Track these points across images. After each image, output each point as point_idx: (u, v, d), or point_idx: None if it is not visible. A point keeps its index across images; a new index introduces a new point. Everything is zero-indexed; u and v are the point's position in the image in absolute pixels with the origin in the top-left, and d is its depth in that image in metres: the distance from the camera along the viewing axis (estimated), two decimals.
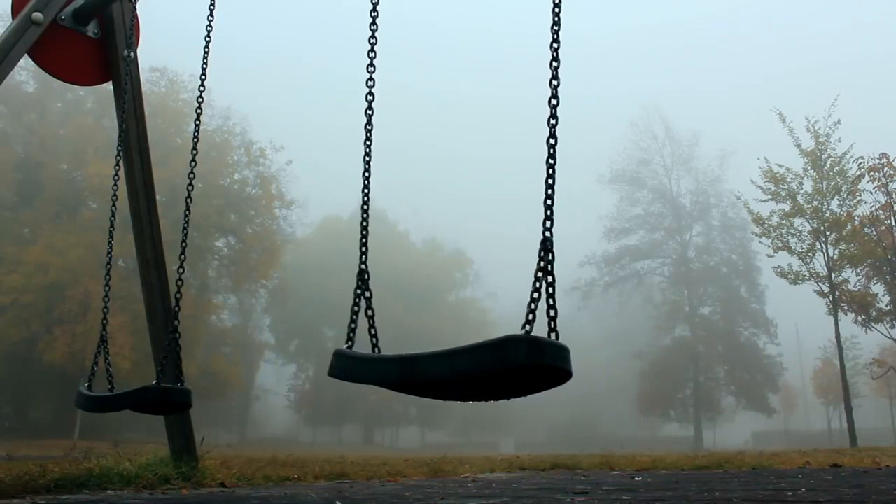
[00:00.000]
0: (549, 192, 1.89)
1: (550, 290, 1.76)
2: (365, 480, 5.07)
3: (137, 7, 4.49)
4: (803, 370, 57.88)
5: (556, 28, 2.00)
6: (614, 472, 6.00)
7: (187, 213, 3.63)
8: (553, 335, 1.73)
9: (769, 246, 22.76)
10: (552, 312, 1.75)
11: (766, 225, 22.86)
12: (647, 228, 50.92)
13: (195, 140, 3.70)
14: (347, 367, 2.04)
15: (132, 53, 4.41)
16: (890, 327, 22.16)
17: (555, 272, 1.80)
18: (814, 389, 55.70)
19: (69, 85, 7.92)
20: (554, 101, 1.96)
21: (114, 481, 3.85)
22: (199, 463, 4.44)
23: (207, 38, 3.79)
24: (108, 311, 3.78)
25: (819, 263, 22.07)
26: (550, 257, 1.79)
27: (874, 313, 22.00)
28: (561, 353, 1.68)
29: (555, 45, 1.99)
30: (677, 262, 50.41)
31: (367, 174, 2.47)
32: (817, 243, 22.03)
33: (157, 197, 4.63)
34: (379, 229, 59.30)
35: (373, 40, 2.53)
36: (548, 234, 1.82)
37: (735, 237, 49.00)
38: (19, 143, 34.03)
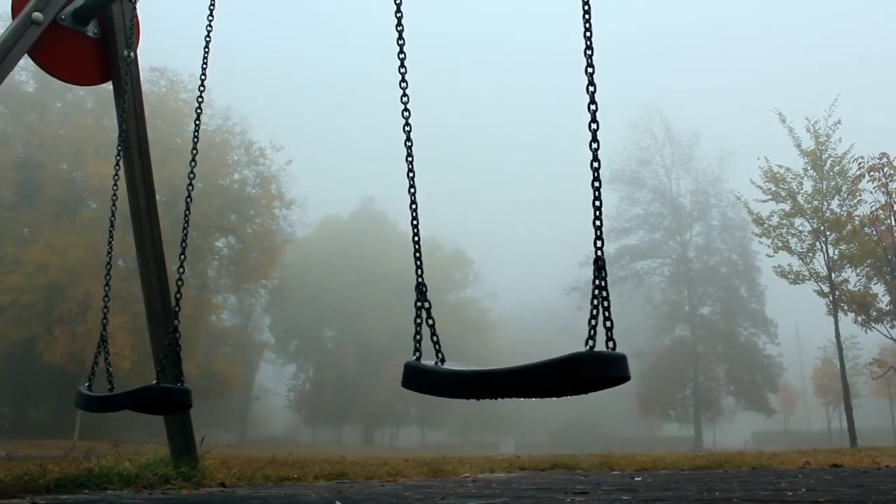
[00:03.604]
0: (598, 213, 2.00)
1: (606, 303, 1.88)
2: (365, 480, 5.07)
3: (137, 7, 4.48)
4: (803, 370, 57.89)
5: (589, 53, 2.05)
6: (614, 472, 6.00)
7: (187, 213, 3.62)
8: (611, 343, 1.86)
9: (769, 246, 22.78)
10: (608, 324, 1.87)
11: (766, 225, 22.86)
12: (646, 228, 50.95)
13: (195, 140, 3.70)
14: (422, 380, 2.18)
15: (132, 53, 4.40)
16: (890, 327, 22.16)
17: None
18: (814, 389, 55.68)
19: (69, 85, 7.92)
20: (594, 126, 2.02)
21: (114, 481, 3.85)
22: (199, 463, 4.44)
23: (207, 38, 3.79)
24: (108, 311, 3.77)
25: (819, 263, 22.09)
26: (604, 274, 1.92)
27: (874, 313, 21.99)
28: (621, 363, 1.84)
29: (589, 70, 2.04)
30: (677, 262, 50.41)
31: (412, 190, 2.51)
32: (817, 243, 22.03)
33: (157, 197, 4.63)
34: (379, 229, 59.32)
35: (402, 55, 2.54)
36: (599, 253, 1.95)
37: (735, 237, 49.01)
38: (19, 143, 34.02)
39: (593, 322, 1.86)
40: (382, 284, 53.20)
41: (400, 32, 2.56)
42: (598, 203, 1.96)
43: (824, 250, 21.93)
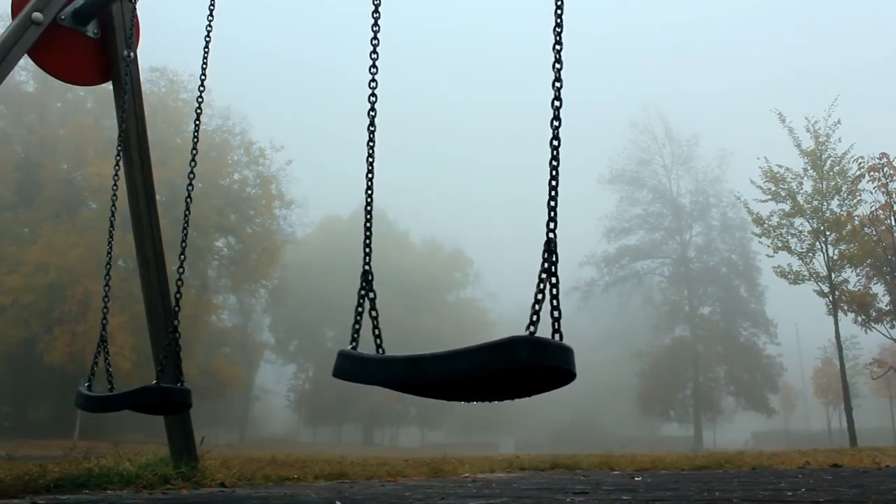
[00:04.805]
0: (553, 194, 1.88)
1: (554, 291, 1.76)
2: (365, 480, 5.08)
3: (137, 7, 4.48)
4: (803, 370, 57.91)
5: (558, 30, 2.01)
6: (614, 472, 6.00)
7: (187, 213, 3.62)
8: (557, 336, 1.73)
9: (769, 246, 22.78)
10: (556, 314, 1.76)
11: (766, 225, 22.86)
12: (646, 228, 50.95)
13: (195, 140, 3.70)
14: (352, 367, 2.05)
15: (132, 53, 4.41)
16: (890, 327, 22.16)
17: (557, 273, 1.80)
18: (814, 389, 55.68)
19: (69, 85, 7.92)
20: (557, 104, 1.95)
21: (114, 481, 3.85)
22: (199, 463, 4.44)
23: (207, 38, 3.79)
24: (108, 311, 3.78)
25: (819, 263, 22.09)
26: (554, 259, 1.79)
27: (874, 313, 21.99)
28: (565, 354, 1.69)
29: (557, 48, 2.00)
30: (677, 262, 50.43)
31: (370, 175, 2.48)
32: (817, 243, 22.02)
33: (157, 197, 4.63)
34: (379, 229, 58.86)
35: (375, 41, 2.53)
36: (551, 235, 1.82)
37: (735, 237, 49.04)
38: (19, 143, 34.03)
39: (537, 307, 1.73)
40: (382, 284, 52.54)
41: (376, 19, 2.55)
42: (553, 183, 1.88)
43: (824, 250, 21.94)
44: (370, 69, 2.51)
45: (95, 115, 34.38)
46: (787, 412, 58.91)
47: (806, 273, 22.18)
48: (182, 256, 3.53)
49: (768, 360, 47.26)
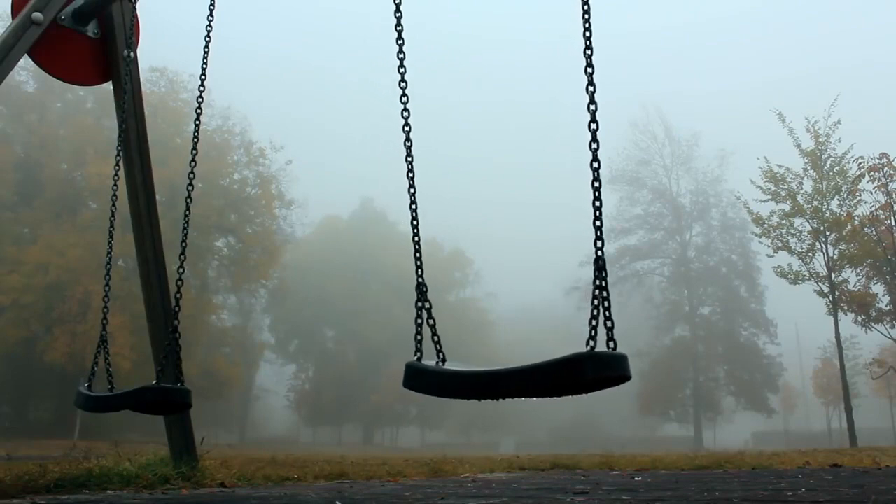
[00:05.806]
0: (598, 213, 2.00)
1: (606, 303, 1.89)
2: (365, 480, 5.07)
3: (137, 7, 4.48)
4: (803, 370, 57.89)
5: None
6: (614, 472, 6.00)
7: (187, 213, 3.62)
8: (612, 343, 1.89)
9: (769, 246, 22.79)
10: (609, 323, 1.89)
11: (766, 225, 22.87)
12: (646, 228, 50.94)
13: (195, 140, 3.69)
14: (425, 380, 2.18)
15: (132, 53, 4.41)
16: (890, 327, 22.16)
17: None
18: (814, 389, 55.68)
19: (69, 85, 7.92)
20: (594, 126, 2.04)
21: (114, 481, 3.86)
22: (199, 463, 4.44)
23: (207, 38, 3.79)
24: (108, 311, 3.77)
25: (819, 263, 22.09)
26: (604, 275, 1.93)
27: (874, 313, 21.99)
28: (622, 363, 1.87)
29: (589, 70, 2.07)
30: (677, 262, 50.42)
31: (412, 190, 2.51)
32: (817, 243, 22.03)
33: (157, 197, 4.63)
34: (379, 230, 59.31)
35: (401, 55, 2.54)
36: (600, 254, 1.96)
37: (735, 237, 49.03)
38: (19, 143, 34.04)
39: (594, 322, 1.88)
40: (382, 284, 53.20)
41: (399, 32, 2.57)
42: (598, 203, 1.97)
43: (824, 250, 21.94)
44: (399, 84, 2.55)
45: (95, 115, 34.39)
46: (787, 412, 58.88)
47: (806, 273, 22.19)
48: (182, 256, 3.53)
49: (768, 360, 47.26)
